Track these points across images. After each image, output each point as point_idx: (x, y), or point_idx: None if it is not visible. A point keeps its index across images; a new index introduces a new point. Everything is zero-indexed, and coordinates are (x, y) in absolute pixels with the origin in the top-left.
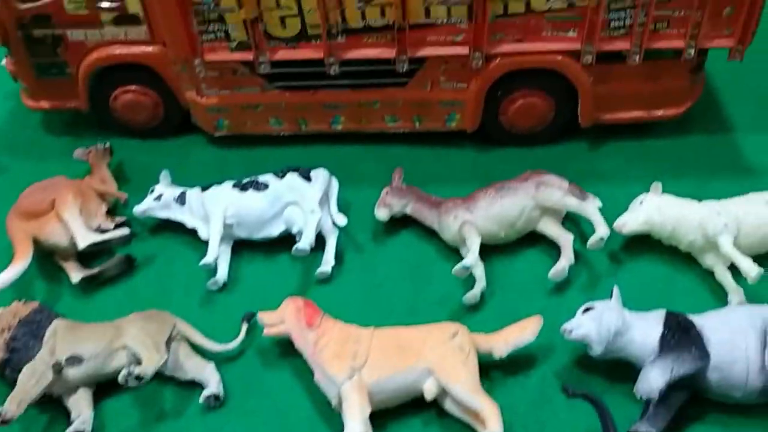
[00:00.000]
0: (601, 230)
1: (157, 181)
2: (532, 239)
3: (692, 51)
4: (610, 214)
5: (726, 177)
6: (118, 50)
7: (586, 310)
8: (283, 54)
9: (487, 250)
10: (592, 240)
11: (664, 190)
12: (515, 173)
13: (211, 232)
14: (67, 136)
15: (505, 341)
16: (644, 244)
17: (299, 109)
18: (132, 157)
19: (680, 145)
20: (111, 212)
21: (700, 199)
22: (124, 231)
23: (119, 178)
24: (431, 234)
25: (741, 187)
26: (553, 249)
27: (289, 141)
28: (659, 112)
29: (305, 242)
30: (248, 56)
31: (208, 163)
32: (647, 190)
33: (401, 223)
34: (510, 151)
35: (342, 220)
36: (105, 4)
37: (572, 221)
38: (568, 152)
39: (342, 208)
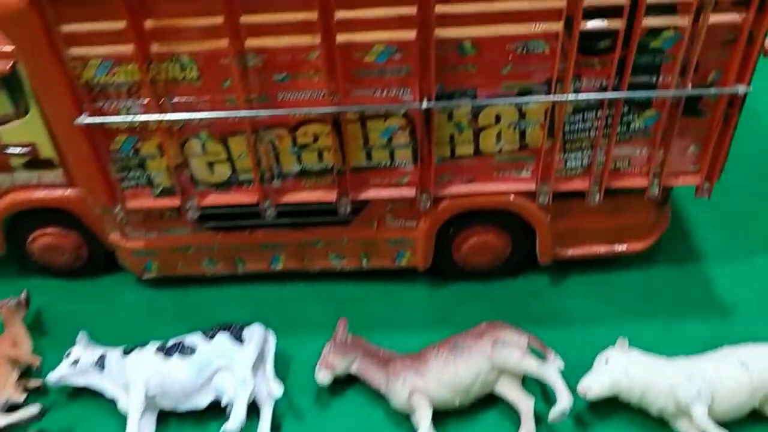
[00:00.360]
0: (564, 401)
1: (76, 335)
2: (492, 397)
3: (656, 190)
4: (573, 363)
5: (697, 315)
6: (33, 194)
7: None
8: (213, 199)
9: (441, 414)
10: (553, 414)
11: (631, 333)
12: (471, 313)
13: (130, 407)
14: None
15: None
16: (613, 404)
17: (235, 250)
18: (53, 303)
19: (647, 277)
20: (26, 373)
21: (669, 345)
22: (33, 410)
23: (38, 328)
24: (380, 394)
25: (713, 328)
26: (514, 408)
27: (225, 280)
28: (623, 247)
29: (234, 423)
30: (174, 203)
31: (136, 307)
32: (613, 332)
33: (347, 380)
34: (466, 287)
35: (278, 390)
36: (14, 150)
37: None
38: (527, 288)
39: (281, 362)
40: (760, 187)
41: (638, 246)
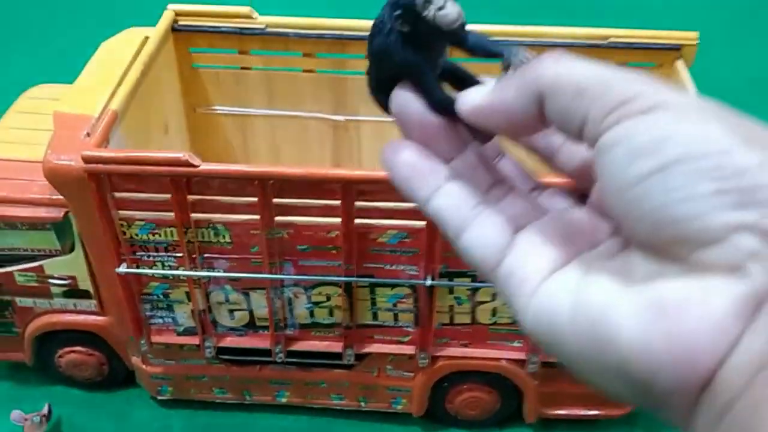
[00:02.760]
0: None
1: None
2: None
3: None
4: None
5: None
6: (67, 317)
7: None
8: (230, 341)
9: None
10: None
11: None
12: None
13: None
14: (9, 381)
15: None
16: None
17: (244, 382)
18: (71, 415)
19: None
20: None
21: None
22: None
23: None
24: None
25: None
26: None
27: (232, 407)
28: (602, 412)
29: None
30: (194, 341)
31: (148, 426)
32: None
33: None
34: None
35: None
36: (57, 282)
37: None
38: None
39: None
40: None
41: (615, 412)
